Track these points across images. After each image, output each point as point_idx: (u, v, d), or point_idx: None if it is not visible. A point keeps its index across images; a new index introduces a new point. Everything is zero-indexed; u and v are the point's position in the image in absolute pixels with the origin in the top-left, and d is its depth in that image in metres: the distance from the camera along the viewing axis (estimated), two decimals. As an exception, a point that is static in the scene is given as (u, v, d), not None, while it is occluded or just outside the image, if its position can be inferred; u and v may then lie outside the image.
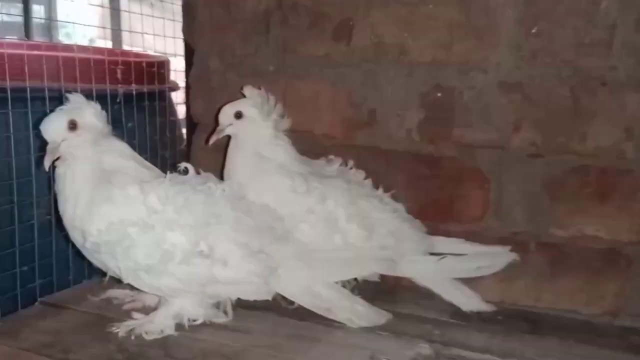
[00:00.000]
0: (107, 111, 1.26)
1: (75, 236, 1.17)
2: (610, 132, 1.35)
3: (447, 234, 1.49)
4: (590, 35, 1.34)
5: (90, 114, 1.18)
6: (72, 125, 1.14)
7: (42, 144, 1.16)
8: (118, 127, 1.56)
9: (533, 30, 1.37)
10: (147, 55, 2.02)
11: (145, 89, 1.75)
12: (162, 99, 1.85)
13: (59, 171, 1.16)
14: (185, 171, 1.26)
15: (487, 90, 1.43)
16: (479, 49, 1.42)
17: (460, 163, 1.49)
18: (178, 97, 2.04)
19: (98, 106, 1.20)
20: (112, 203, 1.13)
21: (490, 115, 1.44)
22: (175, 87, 1.99)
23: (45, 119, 1.14)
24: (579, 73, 1.36)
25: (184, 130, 2.01)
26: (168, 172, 1.23)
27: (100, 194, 1.13)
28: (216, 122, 1.41)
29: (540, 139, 1.41)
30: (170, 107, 1.93)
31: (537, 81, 1.39)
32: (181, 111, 2.03)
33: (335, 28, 1.53)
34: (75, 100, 1.18)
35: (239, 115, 1.37)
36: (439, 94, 1.47)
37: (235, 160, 1.37)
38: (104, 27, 1.70)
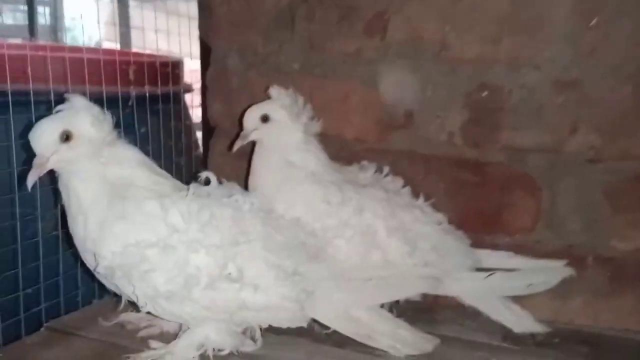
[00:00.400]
0: (118, 115, 1.13)
1: (88, 259, 1.04)
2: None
3: (494, 246, 1.36)
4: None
5: (88, 122, 1.01)
6: (66, 137, 0.99)
7: (30, 156, 1.00)
8: (130, 132, 1.44)
9: (592, 23, 1.23)
10: (160, 56, 1.89)
11: (159, 90, 1.61)
12: (176, 101, 1.72)
13: (60, 186, 1.03)
14: (207, 181, 1.12)
15: (540, 89, 1.29)
16: (530, 44, 1.28)
17: (508, 169, 1.35)
18: (192, 100, 1.91)
19: (97, 110, 1.04)
20: (127, 221, 0.99)
21: (544, 117, 1.30)
22: (189, 89, 1.86)
23: (34, 127, 0.99)
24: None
25: (198, 135, 1.89)
26: (189, 183, 1.10)
27: (113, 212, 1.00)
28: (240, 127, 1.27)
29: (599, 142, 1.28)
30: (185, 111, 1.80)
31: (596, 79, 1.25)
32: (195, 115, 1.89)
33: (368, 22, 1.39)
34: (73, 104, 1.03)
35: (265, 119, 1.23)
36: (485, 94, 1.34)
37: (262, 168, 1.24)
38: (113, 24, 1.57)
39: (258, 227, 1.07)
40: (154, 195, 1.02)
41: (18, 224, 1.20)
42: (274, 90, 1.27)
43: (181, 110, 1.74)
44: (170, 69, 1.72)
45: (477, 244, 1.33)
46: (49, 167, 0.98)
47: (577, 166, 1.30)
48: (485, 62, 1.32)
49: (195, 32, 1.66)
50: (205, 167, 1.61)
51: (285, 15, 1.46)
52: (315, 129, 1.28)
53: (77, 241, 1.04)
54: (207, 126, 1.62)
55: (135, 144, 1.14)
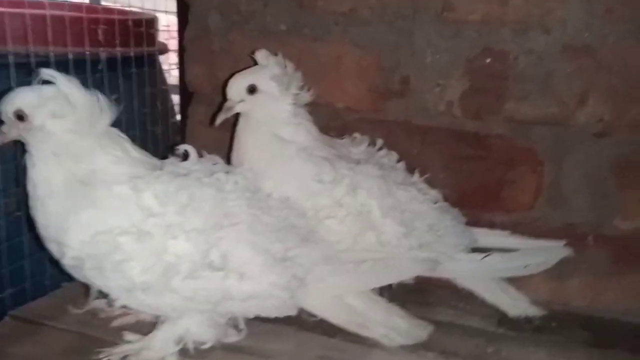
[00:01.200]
0: (85, 80, 1.00)
1: (52, 248, 0.93)
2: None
3: (491, 225, 1.29)
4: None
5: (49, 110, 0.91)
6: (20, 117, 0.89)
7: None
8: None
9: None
10: (133, 13, 1.72)
11: (131, 52, 1.46)
12: (151, 64, 1.57)
13: (26, 163, 0.91)
14: (186, 155, 1.01)
15: (549, 54, 1.19)
16: (540, 4, 1.17)
17: (510, 142, 1.27)
18: (168, 62, 1.76)
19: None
20: (95, 207, 0.88)
21: (551, 86, 1.21)
22: (165, 50, 1.71)
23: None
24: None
25: (175, 100, 1.75)
26: (165, 155, 0.98)
27: (78, 197, 0.88)
28: (223, 97, 1.14)
29: (609, 114, 1.20)
30: (160, 74, 1.65)
31: (611, 44, 1.15)
32: (172, 77, 1.75)
33: (364, -23, 1.26)
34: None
35: (252, 90, 1.11)
36: (488, 60, 1.23)
37: (247, 143, 1.12)
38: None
39: (243, 208, 0.97)
40: (124, 175, 0.91)
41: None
42: (261, 56, 1.15)
43: (156, 73, 1.59)
44: (144, 27, 1.57)
45: (473, 222, 1.26)
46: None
47: (584, 140, 1.22)
48: (490, 24, 1.21)
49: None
50: (183, 136, 1.48)
51: (271, -32, 1.32)
52: (306, 100, 1.16)
53: (39, 229, 0.93)
54: (185, 91, 1.49)
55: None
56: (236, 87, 1.10)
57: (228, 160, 1.17)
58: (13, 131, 0.90)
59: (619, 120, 1.19)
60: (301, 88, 1.16)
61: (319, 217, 1.10)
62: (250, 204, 0.98)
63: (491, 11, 1.20)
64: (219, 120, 1.10)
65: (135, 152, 0.98)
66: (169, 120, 1.61)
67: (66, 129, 0.90)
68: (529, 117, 1.23)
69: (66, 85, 0.91)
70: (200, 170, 0.98)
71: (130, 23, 1.49)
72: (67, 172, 0.90)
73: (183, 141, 1.30)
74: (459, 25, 1.22)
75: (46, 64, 1.18)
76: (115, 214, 0.88)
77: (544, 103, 1.21)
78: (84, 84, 0.97)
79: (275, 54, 1.15)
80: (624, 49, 1.15)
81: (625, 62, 1.15)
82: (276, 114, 1.12)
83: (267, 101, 1.11)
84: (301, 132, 1.14)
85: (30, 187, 0.91)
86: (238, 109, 1.11)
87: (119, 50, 1.46)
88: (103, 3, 1.90)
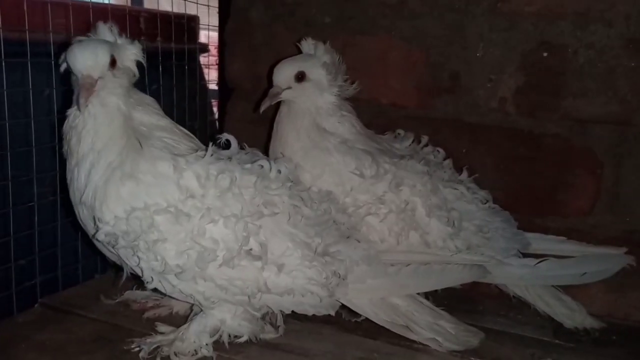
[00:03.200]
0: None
1: (82, 216, 0.89)
2: None
3: (545, 230, 1.21)
4: None
5: (132, 54, 0.92)
6: (113, 61, 0.87)
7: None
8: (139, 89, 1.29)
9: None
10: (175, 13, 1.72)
11: (172, 46, 1.44)
12: (191, 59, 1.55)
13: (69, 126, 0.89)
14: (227, 145, 0.97)
15: (611, 49, 1.13)
16: (602, -3, 1.11)
17: (567, 142, 1.20)
18: (208, 61, 1.74)
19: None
20: (136, 181, 0.84)
21: (613, 82, 1.14)
22: (205, 49, 1.69)
23: (86, 46, 0.85)
24: None
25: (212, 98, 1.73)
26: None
27: (122, 166, 0.85)
28: (268, 83, 1.10)
29: (676, 113, 1.11)
30: (200, 71, 1.63)
31: (680, 38, 1.08)
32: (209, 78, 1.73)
33: (414, -33, 1.22)
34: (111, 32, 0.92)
35: (301, 77, 1.06)
36: (545, 54, 1.17)
37: (289, 133, 1.08)
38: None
39: (284, 198, 0.92)
40: (169, 153, 0.87)
41: (10, 185, 1.05)
42: (309, 45, 1.11)
43: (196, 69, 1.57)
44: (186, 22, 1.56)
45: (525, 226, 1.19)
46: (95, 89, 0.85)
47: (648, 141, 1.14)
48: (548, 16, 1.15)
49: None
50: (220, 132, 1.45)
51: (317, -40, 1.29)
52: (351, 92, 1.12)
53: (73, 193, 0.89)
54: (224, 88, 1.46)
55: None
56: (284, 74, 1.06)
57: (266, 153, 1.12)
58: (99, 82, 0.86)
59: (687, 120, 1.11)
60: (345, 80, 1.11)
61: (360, 214, 1.04)
62: (292, 194, 0.94)
63: (549, 3, 1.14)
64: (264, 106, 1.06)
65: (185, 132, 0.97)
66: (207, 116, 1.58)
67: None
68: (588, 116, 1.16)
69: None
70: (242, 158, 0.93)
71: (172, 17, 1.47)
72: (130, 130, 0.89)
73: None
74: (514, 17, 1.17)
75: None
76: (154, 191, 0.85)
77: (605, 101, 1.15)
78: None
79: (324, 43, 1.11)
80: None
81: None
82: (321, 104, 1.08)
83: (314, 90, 1.07)
84: (345, 124, 1.09)
85: (84, 142, 0.87)
86: (284, 96, 1.07)
87: (159, 42, 1.44)
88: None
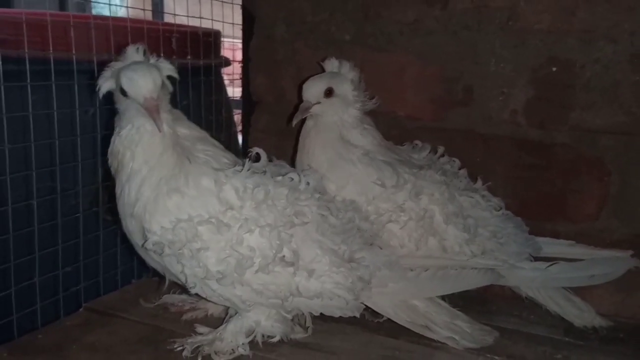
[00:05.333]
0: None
1: (130, 228, 0.97)
2: None
3: (555, 234, 1.28)
4: None
5: (168, 70, 0.97)
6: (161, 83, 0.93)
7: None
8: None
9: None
10: (201, 27, 1.80)
11: (201, 62, 1.52)
12: (217, 73, 1.63)
13: (119, 144, 0.95)
14: (257, 158, 1.05)
15: (616, 64, 1.20)
16: (609, 14, 1.18)
17: (576, 151, 1.26)
18: (232, 74, 1.83)
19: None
20: (181, 195, 0.92)
21: (619, 95, 1.20)
22: (228, 62, 1.77)
23: (143, 72, 0.91)
24: None
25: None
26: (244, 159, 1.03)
27: (170, 181, 0.92)
28: (298, 98, 1.18)
29: (679, 124, 1.17)
30: (224, 85, 1.71)
31: (682, 53, 1.14)
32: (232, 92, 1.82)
33: (429, -13, 1.29)
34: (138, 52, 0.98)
35: (329, 93, 1.14)
36: (554, 69, 1.23)
37: (315, 145, 1.15)
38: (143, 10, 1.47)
39: (313, 208, 1.00)
40: (210, 166, 0.95)
41: (59, 199, 1.14)
42: (333, 63, 1.18)
43: (221, 83, 1.66)
44: (213, 39, 1.64)
45: (536, 231, 1.25)
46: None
47: (652, 149, 1.20)
48: (557, 33, 1.22)
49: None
50: (245, 144, 1.53)
51: (337, -20, 1.37)
52: (372, 106, 1.19)
53: (122, 206, 0.96)
54: (248, 101, 1.54)
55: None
56: (314, 90, 1.14)
57: (292, 164, 1.20)
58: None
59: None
60: (367, 94, 1.19)
61: (381, 221, 1.11)
62: (320, 205, 1.01)
63: (557, 20, 1.21)
64: (296, 120, 1.14)
65: (221, 146, 1.05)
66: (232, 128, 1.66)
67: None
68: (595, 127, 1.23)
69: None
70: (275, 170, 1.01)
71: (200, 34, 1.55)
72: (177, 145, 0.95)
73: (245, 148, 1.34)
74: (524, 34, 1.24)
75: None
76: (197, 203, 0.92)
77: (611, 112, 1.21)
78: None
79: (348, 61, 1.18)
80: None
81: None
82: (346, 118, 1.16)
83: (341, 105, 1.15)
84: (367, 136, 1.16)
85: (137, 157, 0.93)
86: (314, 110, 1.14)
87: (189, 60, 1.52)
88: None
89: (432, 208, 1.14)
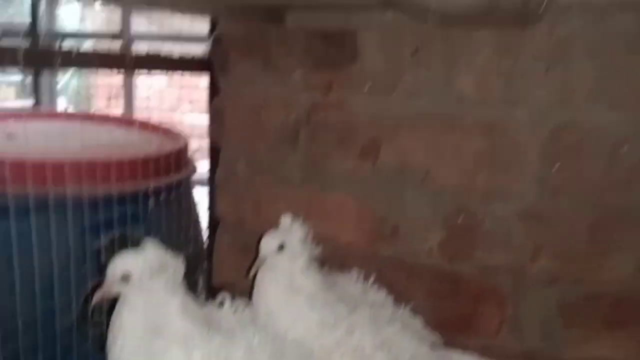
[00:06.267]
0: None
1: None
2: (625, 265, 1.42)
3: (465, 347, 1.55)
4: (611, 175, 1.39)
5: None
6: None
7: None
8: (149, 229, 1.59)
9: (554, 168, 1.43)
10: (171, 132, 1.97)
11: (174, 179, 1.68)
12: (186, 187, 1.85)
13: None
14: (222, 303, 1.29)
15: (509, 218, 1.49)
16: (503, 180, 1.48)
17: (480, 282, 1.55)
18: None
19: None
20: None
21: (511, 242, 1.50)
22: (194, 171, 1.97)
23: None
24: (599, 208, 1.42)
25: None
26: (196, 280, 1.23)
27: (147, 349, 1.14)
28: (256, 251, 1.44)
29: (557, 266, 1.48)
30: (193, 200, 1.93)
31: (558, 213, 1.45)
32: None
33: (363, 147, 1.58)
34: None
35: (281, 247, 1.41)
36: (461, 217, 1.53)
37: (268, 288, 1.41)
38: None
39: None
40: (180, 337, 1.17)
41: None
42: (286, 221, 1.44)
43: (190, 197, 1.87)
44: (184, 150, 1.82)
45: (450, 343, 1.53)
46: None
47: (537, 285, 1.50)
48: (463, 191, 1.51)
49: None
50: (210, 259, 1.79)
51: (290, 132, 1.64)
52: (316, 254, 1.46)
53: None
54: (213, 219, 1.79)
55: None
56: (269, 245, 1.39)
57: (250, 294, 1.46)
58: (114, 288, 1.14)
59: (565, 272, 1.47)
60: (313, 243, 1.46)
61: (324, 355, 1.38)
62: (271, 355, 1.23)
63: (463, 181, 1.51)
64: (252, 272, 1.40)
65: (192, 304, 1.23)
66: (200, 244, 1.89)
67: (159, 286, 1.16)
68: (494, 263, 1.52)
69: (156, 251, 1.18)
70: (234, 322, 1.26)
71: (177, 151, 1.69)
72: (147, 322, 1.15)
73: (210, 263, 1.58)
74: (437, 189, 1.53)
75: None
76: None
77: (505, 254, 1.51)
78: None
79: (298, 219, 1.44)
80: (567, 220, 1.45)
81: (568, 229, 1.45)
82: (295, 267, 1.41)
83: (290, 257, 1.41)
84: (310, 281, 1.43)
85: (115, 329, 1.14)
86: (268, 262, 1.41)
87: (164, 178, 1.66)
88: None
89: (363, 339, 1.41)
